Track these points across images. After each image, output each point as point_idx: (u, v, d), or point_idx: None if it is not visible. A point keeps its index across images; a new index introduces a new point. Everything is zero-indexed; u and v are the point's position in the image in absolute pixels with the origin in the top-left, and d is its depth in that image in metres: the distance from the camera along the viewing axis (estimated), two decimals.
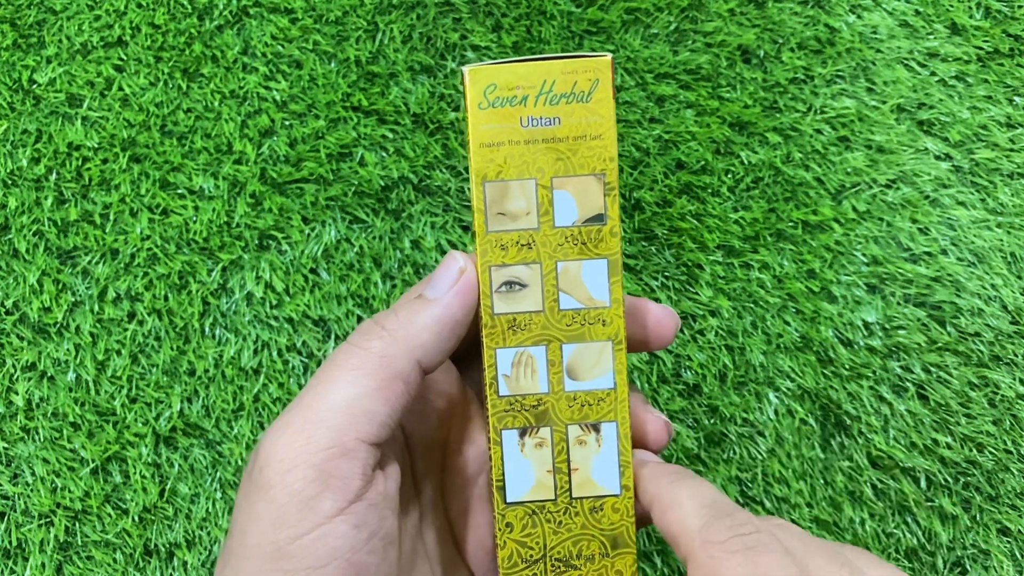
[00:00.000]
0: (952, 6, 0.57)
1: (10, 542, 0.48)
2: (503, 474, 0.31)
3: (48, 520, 0.48)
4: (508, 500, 0.31)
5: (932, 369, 0.51)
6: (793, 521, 0.48)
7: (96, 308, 0.51)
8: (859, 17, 0.56)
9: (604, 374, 0.30)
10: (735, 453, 0.50)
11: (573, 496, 0.31)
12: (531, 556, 0.31)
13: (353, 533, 0.26)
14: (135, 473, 0.48)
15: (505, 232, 0.30)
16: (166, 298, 0.51)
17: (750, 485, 0.49)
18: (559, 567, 0.31)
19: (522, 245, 0.31)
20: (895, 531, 0.49)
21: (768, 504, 0.49)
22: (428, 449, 0.32)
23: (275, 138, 0.53)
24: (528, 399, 0.31)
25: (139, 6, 0.55)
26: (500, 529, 0.31)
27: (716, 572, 0.25)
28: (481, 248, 0.31)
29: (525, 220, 0.30)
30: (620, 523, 0.31)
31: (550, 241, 0.30)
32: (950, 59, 0.56)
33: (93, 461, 0.48)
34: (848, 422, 0.50)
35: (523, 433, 0.31)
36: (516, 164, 0.30)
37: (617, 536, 0.31)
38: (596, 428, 0.31)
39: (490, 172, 0.30)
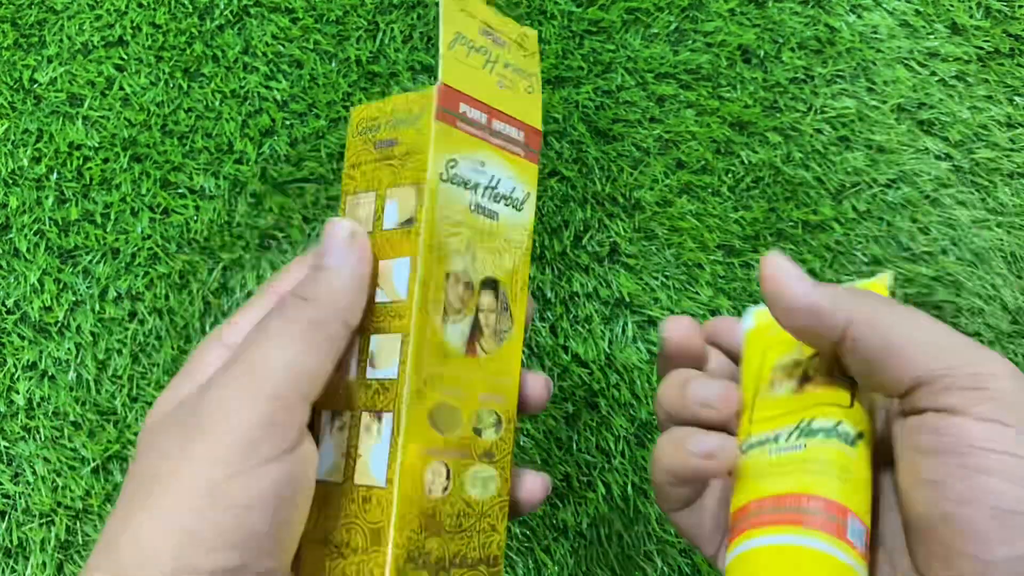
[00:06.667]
0: (952, 6, 0.57)
1: (11, 541, 0.48)
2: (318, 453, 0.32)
3: (49, 519, 0.48)
4: (317, 477, 0.31)
5: None
6: None
7: (97, 307, 0.51)
8: (859, 17, 0.56)
9: (392, 365, 0.31)
10: None
11: (354, 482, 0.31)
12: (314, 537, 0.31)
13: (284, 480, 0.28)
14: None
15: None
16: (167, 297, 0.51)
17: None
18: (332, 551, 0.31)
19: None
20: None
21: None
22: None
23: (276, 137, 0.53)
24: (340, 384, 0.32)
25: (140, 6, 0.55)
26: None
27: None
28: None
29: (368, 225, 0.33)
30: (381, 519, 0.30)
31: (376, 241, 0.32)
32: (950, 59, 0.56)
33: (94, 460, 0.49)
34: None
35: (333, 416, 0.32)
36: (366, 179, 0.34)
37: (380, 531, 0.30)
38: (379, 417, 0.31)
39: (349, 188, 0.34)
